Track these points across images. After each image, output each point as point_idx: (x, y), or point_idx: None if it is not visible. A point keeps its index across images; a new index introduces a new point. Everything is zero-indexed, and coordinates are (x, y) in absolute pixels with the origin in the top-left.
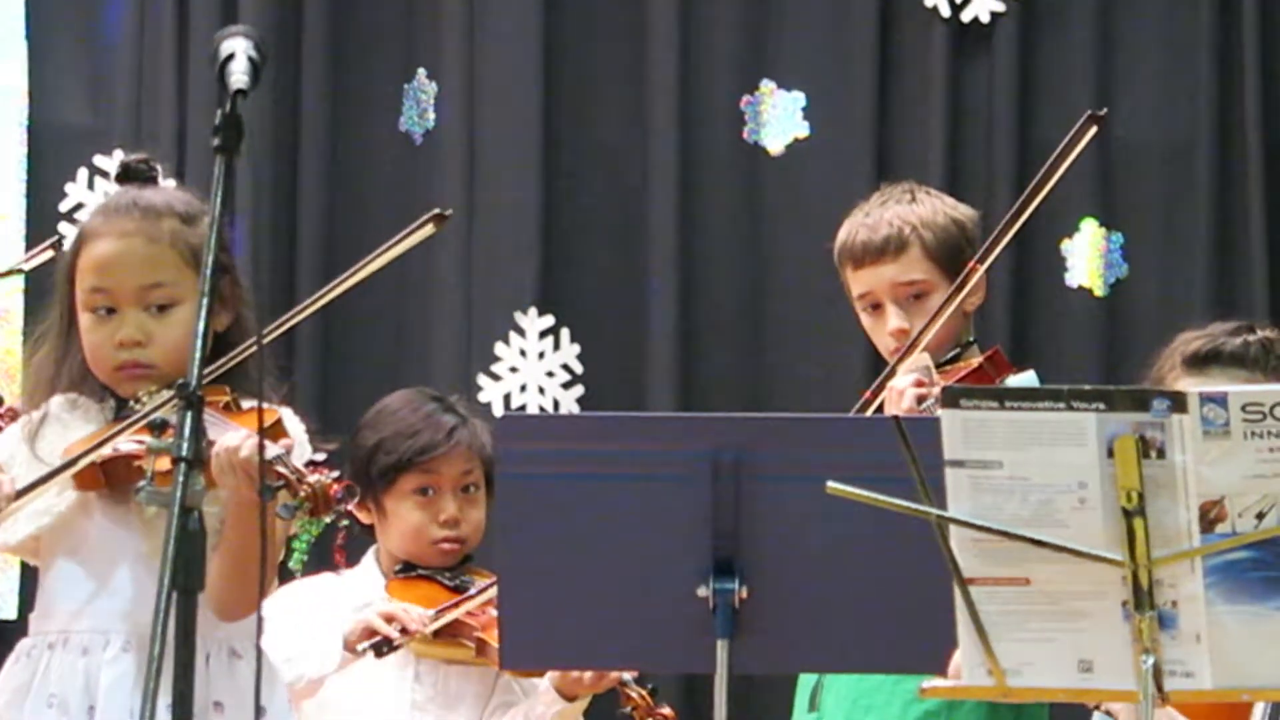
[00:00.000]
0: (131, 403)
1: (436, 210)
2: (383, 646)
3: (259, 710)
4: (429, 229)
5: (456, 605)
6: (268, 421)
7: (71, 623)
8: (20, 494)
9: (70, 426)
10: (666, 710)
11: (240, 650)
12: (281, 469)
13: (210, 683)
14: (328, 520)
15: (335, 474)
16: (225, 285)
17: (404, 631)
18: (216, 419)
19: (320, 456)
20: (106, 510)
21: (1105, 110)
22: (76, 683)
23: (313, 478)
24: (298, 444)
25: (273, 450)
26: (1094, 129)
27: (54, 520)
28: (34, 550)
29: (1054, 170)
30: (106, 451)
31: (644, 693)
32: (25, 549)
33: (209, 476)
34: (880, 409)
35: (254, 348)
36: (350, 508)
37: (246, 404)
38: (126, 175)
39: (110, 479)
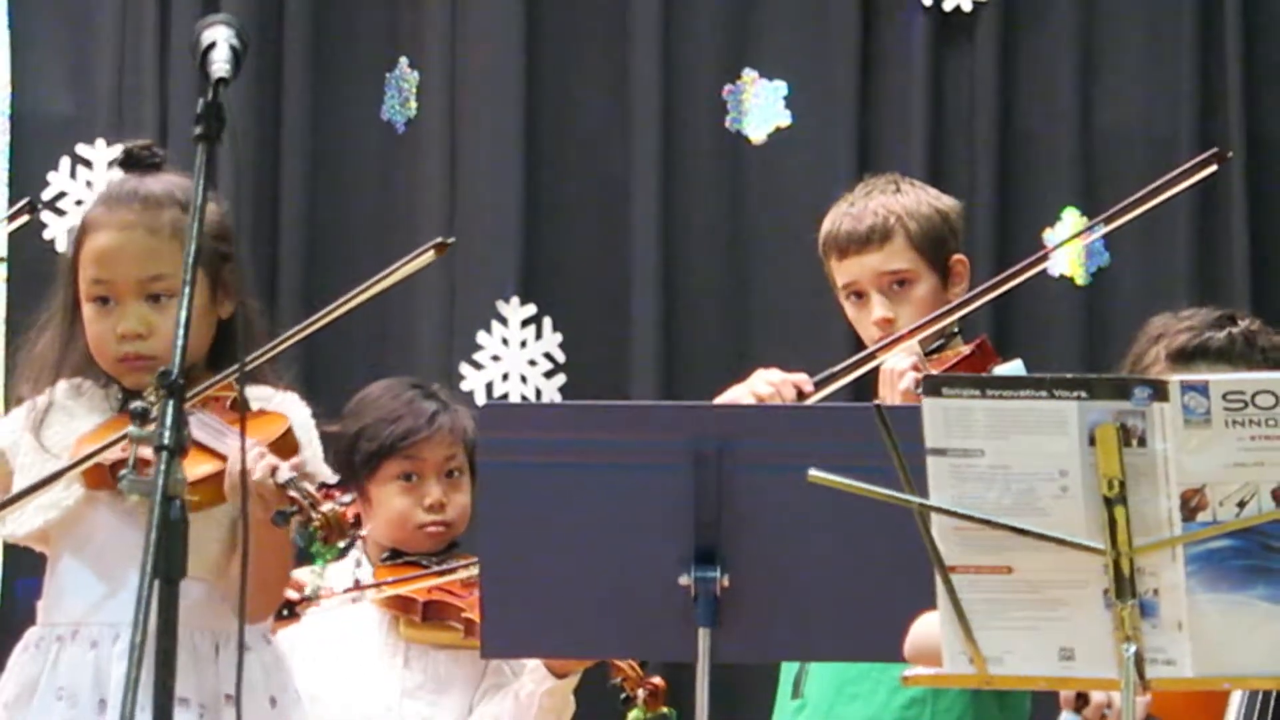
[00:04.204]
0: (135, 401)
1: (439, 239)
2: (282, 610)
3: (238, 701)
4: (430, 255)
5: (412, 580)
6: (277, 430)
7: (81, 616)
8: (24, 494)
9: (75, 415)
10: (657, 680)
11: (250, 643)
12: (295, 494)
13: (219, 675)
14: (342, 546)
15: (348, 498)
16: (227, 273)
17: (304, 600)
18: (223, 427)
19: (333, 479)
20: (113, 507)
21: (1230, 154)
22: (86, 676)
23: (326, 506)
24: (308, 446)
25: (285, 473)
26: (1214, 166)
27: (61, 515)
28: (43, 541)
29: (1162, 192)
30: (116, 453)
31: (634, 664)
32: (34, 540)
33: (221, 492)
34: (866, 375)
35: (248, 364)
36: (363, 533)
37: (252, 396)
38: (129, 162)
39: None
